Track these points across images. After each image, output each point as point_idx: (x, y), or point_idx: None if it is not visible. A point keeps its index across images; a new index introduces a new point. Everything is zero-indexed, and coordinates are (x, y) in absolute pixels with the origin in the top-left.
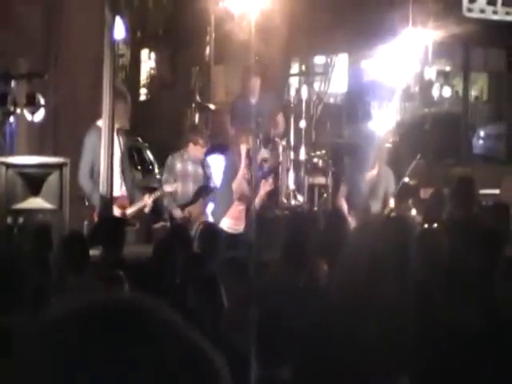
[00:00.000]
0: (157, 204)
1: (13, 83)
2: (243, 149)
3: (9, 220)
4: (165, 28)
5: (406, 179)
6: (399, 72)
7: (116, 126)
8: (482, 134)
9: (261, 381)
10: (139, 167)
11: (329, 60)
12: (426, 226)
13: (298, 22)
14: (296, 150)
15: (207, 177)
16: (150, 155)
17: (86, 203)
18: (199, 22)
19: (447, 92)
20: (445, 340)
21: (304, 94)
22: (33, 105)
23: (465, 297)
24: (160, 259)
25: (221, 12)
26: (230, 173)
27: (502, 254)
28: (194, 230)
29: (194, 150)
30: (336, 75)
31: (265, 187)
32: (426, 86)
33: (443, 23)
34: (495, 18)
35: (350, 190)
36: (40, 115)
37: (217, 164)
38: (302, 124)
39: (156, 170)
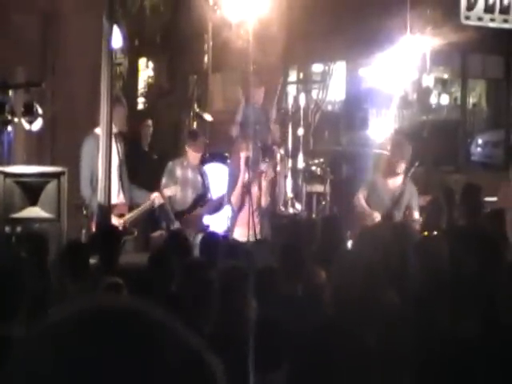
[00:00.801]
0: (155, 212)
1: (10, 92)
2: (242, 156)
3: (7, 229)
4: (162, 36)
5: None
6: (397, 79)
7: (114, 130)
8: (480, 141)
9: None
10: None
11: (326, 68)
12: (425, 233)
13: (296, 30)
14: (294, 157)
15: (205, 186)
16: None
17: (84, 212)
18: (197, 30)
19: (445, 99)
20: (444, 346)
21: (302, 102)
22: (30, 114)
23: (465, 304)
24: (156, 267)
25: (218, 20)
26: (232, 182)
27: (503, 260)
28: (192, 238)
29: (193, 157)
30: (334, 83)
31: (265, 177)
32: (424, 93)
33: (441, 31)
34: (493, 25)
35: (370, 194)
36: (38, 124)
37: (215, 172)
38: (300, 132)
39: None
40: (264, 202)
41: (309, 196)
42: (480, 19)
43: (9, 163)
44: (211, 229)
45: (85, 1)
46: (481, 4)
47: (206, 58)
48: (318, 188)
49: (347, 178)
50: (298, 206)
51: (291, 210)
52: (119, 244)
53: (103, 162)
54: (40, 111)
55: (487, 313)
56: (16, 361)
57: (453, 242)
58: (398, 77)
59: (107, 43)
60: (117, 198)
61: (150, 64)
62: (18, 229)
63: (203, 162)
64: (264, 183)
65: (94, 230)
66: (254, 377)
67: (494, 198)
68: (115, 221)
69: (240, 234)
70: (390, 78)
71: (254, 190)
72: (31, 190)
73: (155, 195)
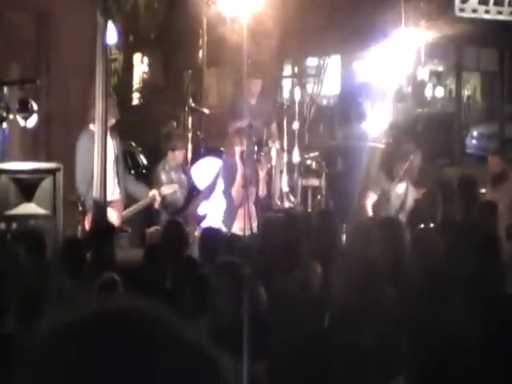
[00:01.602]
0: (151, 208)
1: (5, 89)
2: (237, 150)
3: (2, 226)
4: (157, 32)
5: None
6: (392, 73)
7: (109, 123)
8: (475, 133)
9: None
10: (132, 171)
11: (321, 62)
12: (421, 226)
13: (290, 25)
14: (289, 152)
15: (191, 181)
16: (143, 159)
17: (80, 208)
18: (191, 26)
19: (440, 92)
20: (440, 342)
21: (297, 96)
22: (25, 111)
23: (459, 298)
24: (151, 263)
25: (213, 15)
26: (230, 177)
27: (498, 255)
28: (190, 234)
29: (173, 157)
30: (328, 77)
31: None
32: (419, 86)
33: (435, 23)
34: (487, 17)
35: (380, 201)
36: (33, 121)
37: (211, 167)
38: (295, 126)
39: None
40: (261, 194)
41: (304, 190)
42: (474, 11)
43: (4, 160)
44: (209, 222)
45: None
46: None
47: (200, 54)
48: (314, 182)
49: (342, 172)
50: (294, 200)
51: (287, 204)
52: (113, 240)
53: (98, 158)
54: (35, 108)
55: (483, 307)
56: (29, 362)
57: (448, 234)
58: (393, 70)
59: (102, 39)
60: (112, 194)
61: (145, 60)
62: (14, 225)
63: (198, 156)
64: (261, 176)
65: (87, 226)
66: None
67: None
68: (113, 215)
69: (238, 228)
70: (384, 71)
71: (251, 183)
72: (26, 187)
73: (153, 193)
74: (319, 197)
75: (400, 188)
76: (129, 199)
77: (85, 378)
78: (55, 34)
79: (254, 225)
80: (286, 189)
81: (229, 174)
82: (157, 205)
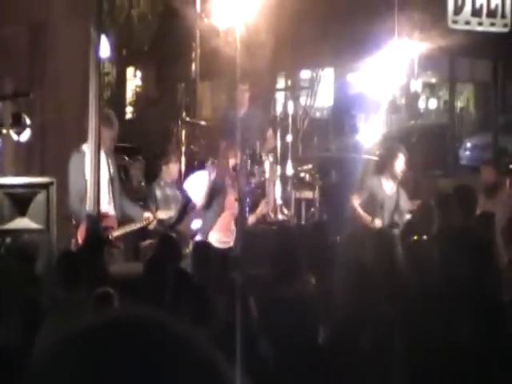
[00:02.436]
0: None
1: None
2: (230, 163)
3: None
4: (150, 45)
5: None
6: (385, 84)
7: (102, 149)
8: (468, 144)
9: None
10: (126, 185)
11: (314, 74)
12: (415, 237)
13: (283, 37)
14: (283, 164)
15: (186, 197)
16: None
17: (74, 222)
18: (184, 39)
19: (433, 104)
20: (437, 351)
21: (290, 109)
22: (19, 125)
23: (457, 307)
24: (150, 277)
25: (206, 28)
26: (215, 188)
27: (495, 262)
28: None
29: (167, 172)
30: (322, 89)
31: (264, 208)
32: (413, 98)
33: (429, 35)
34: (480, 29)
35: (366, 199)
36: (26, 135)
37: (205, 180)
38: (289, 138)
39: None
40: (260, 214)
41: (298, 202)
42: (467, 23)
43: None
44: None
45: (72, 11)
46: (468, 8)
47: (194, 66)
48: (307, 194)
49: (336, 184)
50: (287, 213)
51: (280, 217)
52: (103, 254)
53: (92, 172)
54: (28, 122)
55: (479, 316)
56: (30, 374)
57: (444, 242)
58: (386, 82)
59: (95, 53)
60: (106, 209)
61: (138, 73)
62: (8, 240)
63: (192, 170)
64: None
65: (79, 240)
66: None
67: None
68: (104, 232)
69: (214, 239)
70: (378, 83)
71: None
72: (20, 201)
73: (148, 215)
74: (313, 209)
75: (387, 186)
76: (124, 218)
77: None
78: (48, 47)
79: (233, 237)
80: (279, 201)
81: (214, 185)
82: (151, 227)
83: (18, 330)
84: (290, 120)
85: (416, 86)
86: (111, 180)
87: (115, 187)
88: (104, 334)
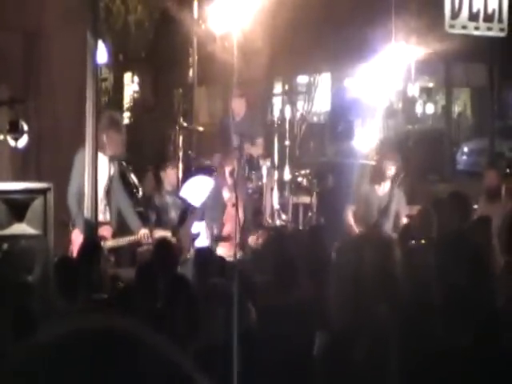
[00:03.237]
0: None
1: None
2: (227, 170)
3: None
4: (147, 51)
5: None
6: (382, 89)
7: (110, 153)
8: (465, 149)
9: None
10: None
11: (312, 79)
12: (413, 242)
13: (280, 42)
14: (280, 169)
15: (186, 203)
16: (134, 179)
17: (71, 228)
18: (181, 44)
19: (430, 108)
20: (435, 357)
21: (287, 114)
22: (16, 131)
23: (454, 312)
24: (141, 284)
25: (203, 34)
26: (215, 200)
27: (489, 268)
28: (183, 253)
29: (166, 179)
30: (319, 94)
31: (259, 237)
32: (409, 102)
33: (425, 39)
34: (477, 33)
35: (359, 205)
36: (23, 141)
37: (202, 185)
38: (286, 143)
39: (140, 194)
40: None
41: (295, 207)
42: (464, 27)
43: None
44: (201, 242)
45: (69, 16)
46: (465, 13)
47: (191, 72)
48: (305, 199)
49: (333, 189)
50: (285, 218)
51: (278, 222)
52: (100, 260)
53: (89, 178)
54: (25, 128)
55: (476, 323)
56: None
57: (440, 248)
58: (383, 87)
59: (92, 59)
60: (102, 217)
61: (136, 79)
62: (5, 246)
63: (189, 175)
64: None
65: (74, 245)
66: None
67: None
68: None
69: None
70: (374, 88)
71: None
72: (17, 207)
73: (144, 232)
74: (310, 214)
75: (380, 190)
76: (121, 227)
77: None
78: (45, 53)
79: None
80: (276, 206)
81: (214, 194)
82: (145, 243)
83: (12, 337)
84: (288, 125)
85: (413, 90)
86: (109, 187)
87: (114, 194)
88: (69, 345)
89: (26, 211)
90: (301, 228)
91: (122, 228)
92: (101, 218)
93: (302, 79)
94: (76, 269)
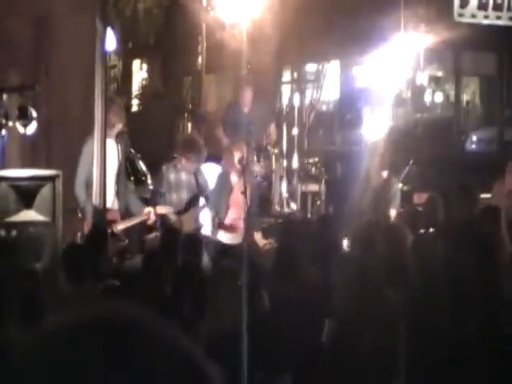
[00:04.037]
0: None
1: (4, 96)
2: (236, 156)
3: (2, 233)
4: (156, 38)
5: (400, 185)
6: (391, 78)
7: (115, 130)
8: (474, 138)
9: None
10: (132, 178)
11: (320, 67)
12: (422, 231)
13: (289, 30)
14: (289, 157)
15: (200, 186)
16: (142, 166)
17: (79, 215)
18: (190, 32)
19: (439, 97)
20: (441, 345)
21: (296, 102)
22: (25, 118)
23: (462, 302)
24: (149, 271)
25: (212, 21)
26: (222, 184)
27: (497, 257)
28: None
29: (187, 163)
30: (328, 82)
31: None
32: (418, 91)
33: (434, 28)
34: (486, 22)
35: (362, 192)
36: (32, 128)
37: (209, 173)
38: (295, 132)
39: (149, 181)
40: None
41: (304, 195)
42: (473, 16)
43: (3, 167)
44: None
45: (78, 3)
46: (474, 1)
47: (199, 59)
48: (313, 187)
49: (342, 177)
50: (293, 206)
51: (286, 210)
52: (108, 247)
53: (97, 165)
54: (34, 115)
55: (483, 311)
56: (12, 365)
57: (448, 237)
58: (392, 75)
59: (101, 46)
60: (111, 203)
61: (144, 66)
62: (14, 233)
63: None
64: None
65: (86, 233)
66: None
67: (489, 195)
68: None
69: (227, 237)
70: (383, 76)
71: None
72: (26, 194)
73: (149, 209)
74: (319, 202)
75: (381, 176)
76: (127, 212)
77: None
78: (54, 40)
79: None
80: (285, 194)
81: (221, 181)
82: (150, 222)
83: (20, 324)
84: (296, 113)
85: (422, 79)
86: (119, 166)
87: (122, 174)
88: (77, 333)
89: (35, 198)
90: (309, 216)
91: (129, 213)
92: (109, 205)
93: (310, 67)
94: (84, 256)
